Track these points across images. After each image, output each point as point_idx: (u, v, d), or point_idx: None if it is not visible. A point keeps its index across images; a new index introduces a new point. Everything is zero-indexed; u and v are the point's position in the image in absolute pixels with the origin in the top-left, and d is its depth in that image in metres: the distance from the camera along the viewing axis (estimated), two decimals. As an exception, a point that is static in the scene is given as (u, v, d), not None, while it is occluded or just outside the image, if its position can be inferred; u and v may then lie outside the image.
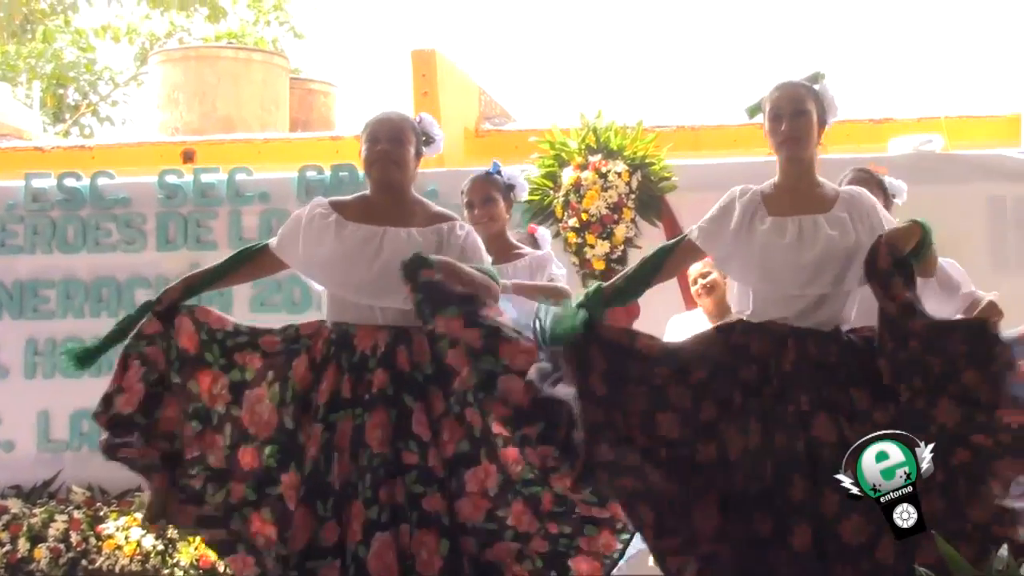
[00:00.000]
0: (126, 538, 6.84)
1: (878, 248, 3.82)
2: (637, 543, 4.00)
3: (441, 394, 3.93)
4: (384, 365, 3.95)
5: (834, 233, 3.87)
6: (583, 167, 7.19)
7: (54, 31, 18.67)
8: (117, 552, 6.82)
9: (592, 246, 7.09)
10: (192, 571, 6.71)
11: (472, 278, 3.97)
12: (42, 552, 6.89)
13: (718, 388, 3.86)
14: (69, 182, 7.68)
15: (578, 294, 4.07)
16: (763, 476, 3.76)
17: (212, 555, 6.42)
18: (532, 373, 3.84)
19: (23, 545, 6.94)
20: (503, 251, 4.79)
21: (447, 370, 3.90)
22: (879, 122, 8.47)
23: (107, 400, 4.17)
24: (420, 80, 8.66)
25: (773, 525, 3.73)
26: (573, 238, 7.08)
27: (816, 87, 4.01)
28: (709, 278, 5.68)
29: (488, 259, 4.17)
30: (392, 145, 4.10)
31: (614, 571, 3.98)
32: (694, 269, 5.65)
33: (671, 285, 5.89)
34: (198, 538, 6.20)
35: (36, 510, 7.08)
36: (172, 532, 6.69)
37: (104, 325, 7.35)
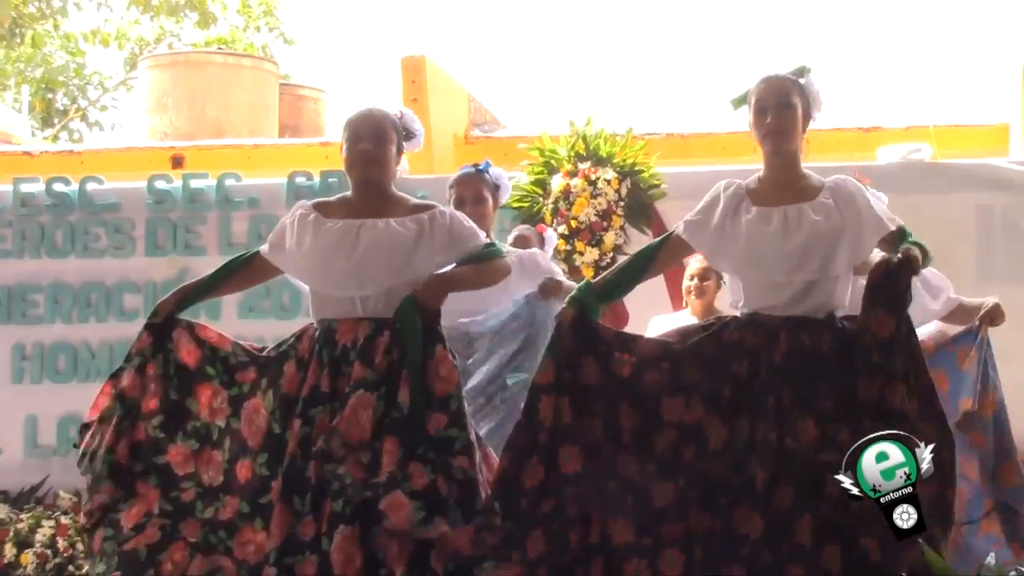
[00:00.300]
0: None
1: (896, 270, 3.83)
2: None
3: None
4: (362, 359, 3.95)
5: (818, 218, 3.89)
6: (572, 174, 7.21)
7: (43, 36, 18.64)
8: (104, 558, 6.80)
9: (581, 253, 7.10)
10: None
11: (467, 275, 4.03)
12: (29, 557, 6.88)
13: (709, 387, 3.89)
14: (58, 187, 7.66)
15: (568, 300, 4.09)
16: (746, 469, 3.80)
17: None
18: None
19: (10, 550, 6.94)
20: None
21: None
22: (868, 131, 8.49)
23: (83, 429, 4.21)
24: (410, 86, 8.66)
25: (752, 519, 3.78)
26: (562, 245, 7.08)
27: (802, 81, 4.04)
28: (706, 283, 5.67)
29: (482, 234, 4.17)
30: (373, 144, 4.10)
31: None
32: (692, 267, 5.67)
33: (657, 286, 5.92)
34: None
35: (23, 515, 7.07)
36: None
37: (93, 330, 7.49)
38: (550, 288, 4.74)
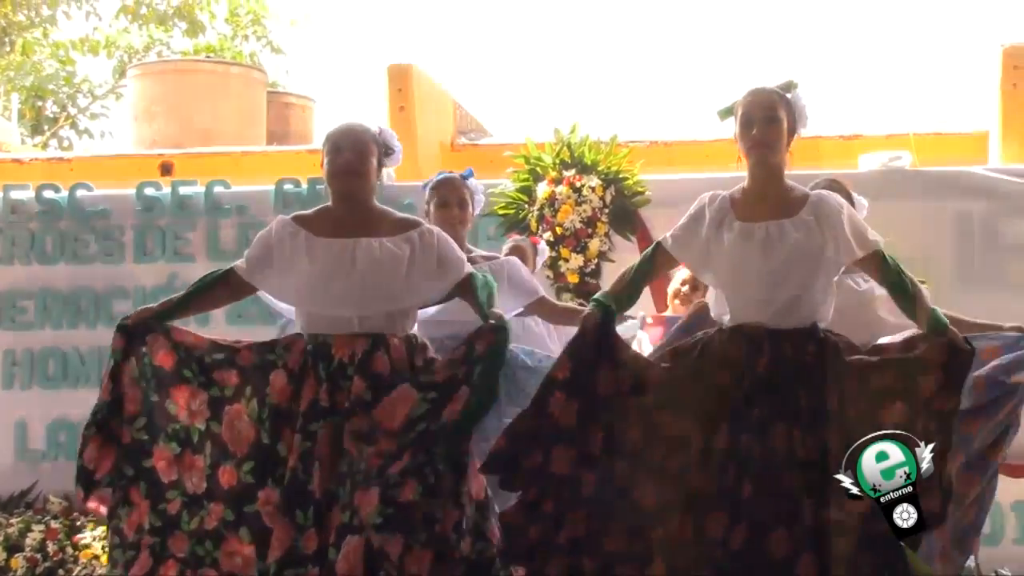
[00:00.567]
0: (103, 548, 6.81)
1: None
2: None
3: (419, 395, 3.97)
4: (361, 373, 3.97)
5: (799, 236, 3.93)
6: (557, 181, 7.25)
7: (33, 44, 18.64)
8: (94, 562, 6.83)
9: (566, 260, 7.15)
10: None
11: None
12: (19, 562, 6.90)
13: (696, 399, 3.93)
14: (48, 194, 7.71)
15: (593, 302, 4.13)
16: (725, 477, 3.84)
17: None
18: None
19: (0, 555, 6.96)
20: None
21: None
22: (849, 138, 8.52)
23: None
24: (396, 94, 8.68)
25: (726, 526, 3.82)
26: (548, 252, 7.13)
27: (788, 95, 4.06)
28: (696, 292, 5.70)
29: (462, 254, 4.21)
30: (355, 156, 4.12)
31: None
32: (681, 274, 5.71)
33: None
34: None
35: (13, 520, 7.10)
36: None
37: (82, 336, 7.51)
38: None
